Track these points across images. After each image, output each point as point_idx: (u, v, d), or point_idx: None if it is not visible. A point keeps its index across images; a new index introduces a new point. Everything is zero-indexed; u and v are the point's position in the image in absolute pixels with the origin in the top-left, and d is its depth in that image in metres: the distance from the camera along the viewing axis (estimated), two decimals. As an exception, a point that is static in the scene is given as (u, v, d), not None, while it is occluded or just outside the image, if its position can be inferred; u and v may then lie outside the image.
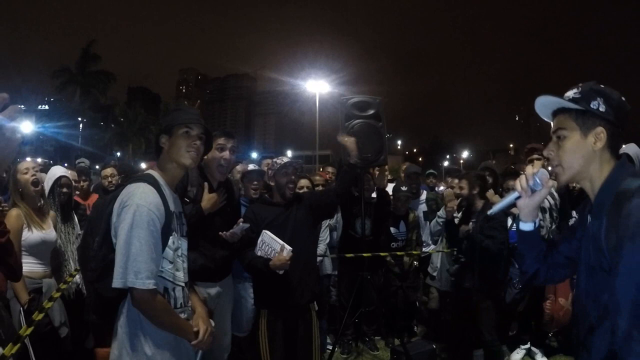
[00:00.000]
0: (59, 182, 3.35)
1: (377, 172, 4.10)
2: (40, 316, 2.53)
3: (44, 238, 2.94)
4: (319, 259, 4.10)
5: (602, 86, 1.36)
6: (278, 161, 2.95)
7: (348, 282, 4.24)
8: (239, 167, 4.38)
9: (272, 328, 2.85)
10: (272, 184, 2.96)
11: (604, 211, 1.26)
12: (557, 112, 1.39)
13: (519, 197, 1.47)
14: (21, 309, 2.70)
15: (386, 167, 5.21)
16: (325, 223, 4.30)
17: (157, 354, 1.69)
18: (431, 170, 6.89)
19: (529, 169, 1.45)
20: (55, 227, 3.12)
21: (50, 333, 2.87)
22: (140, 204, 1.63)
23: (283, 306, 2.86)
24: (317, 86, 31.94)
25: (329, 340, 4.35)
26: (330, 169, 5.64)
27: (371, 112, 3.87)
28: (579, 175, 1.37)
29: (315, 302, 3.06)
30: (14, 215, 2.78)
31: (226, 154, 2.87)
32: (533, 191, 1.45)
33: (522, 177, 1.46)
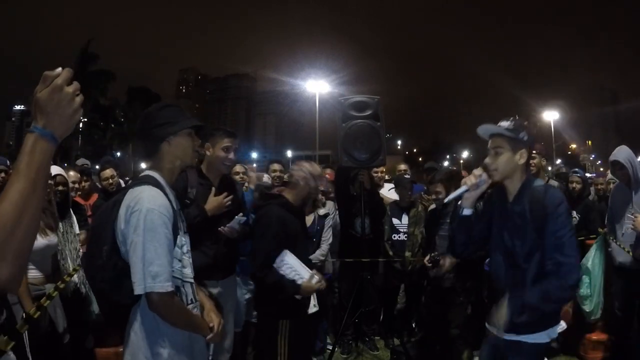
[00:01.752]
0: (54, 180, 3.33)
1: (363, 176, 4.07)
2: (38, 314, 2.52)
3: (48, 244, 2.88)
4: (321, 259, 4.12)
5: (526, 122, 2.15)
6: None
7: (348, 282, 4.25)
8: (238, 168, 4.39)
9: (294, 335, 2.73)
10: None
11: (525, 199, 2.08)
12: (494, 135, 2.13)
13: (467, 190, 2.17)
14: (23, 314, 2.69)
15: (383, 169, 5.21)
16: (328, 224, 4.31)
17: (173, 353, 1.70)
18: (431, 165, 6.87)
19: (476, 171, 2.18)
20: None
21: (52, 339, 2.86)
22: (150, 207, 1.62)
23: (303, 314, 2.85)
24: (317, 86, 32.02)
25: (329, 340, 4.36)
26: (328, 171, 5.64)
27: (369, 112, 3.87)
28: (506, 177, 2.13)
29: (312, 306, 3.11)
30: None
31: (231, 154, 2.93)
32: (477, 186, 2.15)
33: (471, 176, 2.17)
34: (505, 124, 2.11)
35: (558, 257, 1.95)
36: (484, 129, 2.15)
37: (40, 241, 2.83)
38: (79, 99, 0.99)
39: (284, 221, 2.68)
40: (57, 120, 0.96)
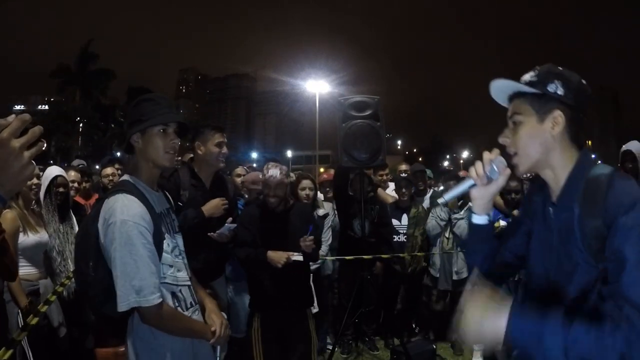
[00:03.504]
0: (55, 181, 3.32)
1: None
2: (36, 320, 2.52)
3: (39, 241, 2.93)
4: (320, 260, 4.12)
5: (560, 68, 1.27)
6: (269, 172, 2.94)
7: (348, 282, 4.25)
8: (239, 170, 4.40)
9: (266, 330, 2.87)
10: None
11: (575, 200, 1.16)
12: (513, 97, 1.29)
13: (473, 185, 1.35)
14: (19, 311, 2.70)
15: (387, 170, 5.21)
16: (328, 224, 4.31)
17: None
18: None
19: (486, 155, 1.33)
20: (46, 229, 3.10)
21: (48, 334, 2.87)
22: (123, 219, 1.54)
23: (276, 309, 2.89)
24: (317, 86, 31.96)
25: (329, 340, 4.36)
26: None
27: (369, 112, 3.86)
28: (539, 164, 1.25)
29: (311, 307, 3.10)
30: (9, 217, 2.72)
31: (224, 149, 2.93)
32: (489, 180, 1.32)
33: (478, 163, 1.33)
34: (527, 75, 1.28)
35: (626, 303, 1.00)
36: (496, 87, 1.30)
37: (31, 238, 2.87)
38: (28, 154, 0.85)
39: (250, 215, 3.04)
40: (3, 176, 0.84)
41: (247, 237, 2.94)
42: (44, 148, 0.88)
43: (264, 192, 2.98)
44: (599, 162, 1.26)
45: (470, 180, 1.35)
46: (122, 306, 1.53)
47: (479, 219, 1.39)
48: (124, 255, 1.53)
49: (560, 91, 1.22)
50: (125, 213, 1.55)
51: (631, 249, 1.02)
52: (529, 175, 1.43)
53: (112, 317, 1.64)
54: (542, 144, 1.22)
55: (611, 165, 1.24)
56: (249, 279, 3.11)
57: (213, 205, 2.81)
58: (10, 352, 2.07)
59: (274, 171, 2.91)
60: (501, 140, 1.30)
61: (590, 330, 0.98)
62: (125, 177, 1.74)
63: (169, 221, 1.78)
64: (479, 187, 1.34)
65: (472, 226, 1.41)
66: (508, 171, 1.32)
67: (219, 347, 1.90)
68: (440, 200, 1.53)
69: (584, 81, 1.27)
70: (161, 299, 1.57)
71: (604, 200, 1.09)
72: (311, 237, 2.81)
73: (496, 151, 1.33)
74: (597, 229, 1.09)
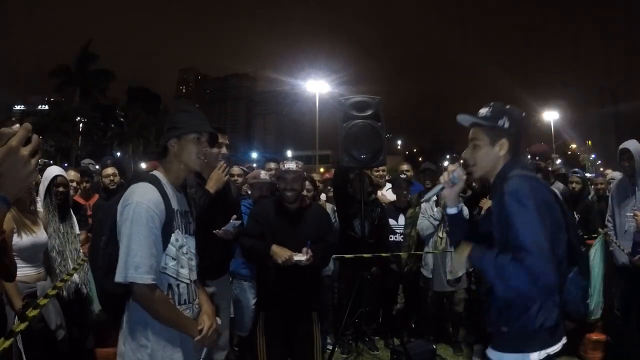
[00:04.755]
0: (54, 181, 3.32)
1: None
2: (36, 312, 2.50)
3: (35, 242, 2.87)
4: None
5: (507, 107, 1.86)
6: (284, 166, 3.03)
7: (348, 282, 4.25)
8: (235, 170, 4.40)
9: (270, 329, 2.87)
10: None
11: (496, 197, 1.78)
12: (473, 125, 1.88)
13: (443, 188, 1.96)
14: (15, 314, 2.68)
15: (384, 168, 5.21)
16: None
17: (158, 347, 1.72)
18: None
19: (450, 167, 1.96)
20: (46, 229, 3.07)
21: (45, 336, 2.85)
22: (139, 201, 1.70)
23: (282, 308, 2.88)
24: (317, 86, 31.99)
25: (329, 340, 4.36)
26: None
27: (370, 112, 3.87)
28: (488, 173, 1.87)
29: (316, 312, 3.08)
30: (6, 218, 2.71)
31: (224, 149, 2.95)
32: (453, 183, 1.93)
33: (445, 173, 1.97)
34: (483, 111, 1.87)
35: (514, 249, 1.62)
36: (461, 119, 1.92)
37: (25, 239, 2.81)
38: (34, 161, 0.90)
39: (264, 209, 3.04)
40: (10, 182, 0.89)
41: (255, 230, 2.93)
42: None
43: (279, 187, 2.98)
44: (526, 163, 2.02)
45: (441, 185, 1.99)
46: (119, 277, 1.67)
47: (452, 210, 2.00)
48: (132, 233, 1.68)
49: (506, 125, 1.80)
50: (142, 197, 1.72)
51: (514, 219, 1.64)
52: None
53: (112, 294, 1.76)
54: (492, 160, 1.84)
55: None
56: (257, 277, 3.11)
57: (215, 179, 2.80)
58: (9, 341, 2.07)
59: (291, 165, 2.94)
60: (464, 155, 1.95)
61: (504, 259, 1.64)
62: (154, 172, 1.91)
63: (184, 221, 1.89)
64: (446, 188, 1.95)
65: (448, 216, 2.03)
66: (464, 177, 1.94)
67: (204, 351, 1.91)
68: (421, 200, 2.23)
69: (523, 114, 1.92)
70: (155, 282, 1.68)
71: (502, 191, 1.71)
72: (309, 253, 2.77)
73: (456, 164, 1.97)
74: (499, 213, 1.72)
